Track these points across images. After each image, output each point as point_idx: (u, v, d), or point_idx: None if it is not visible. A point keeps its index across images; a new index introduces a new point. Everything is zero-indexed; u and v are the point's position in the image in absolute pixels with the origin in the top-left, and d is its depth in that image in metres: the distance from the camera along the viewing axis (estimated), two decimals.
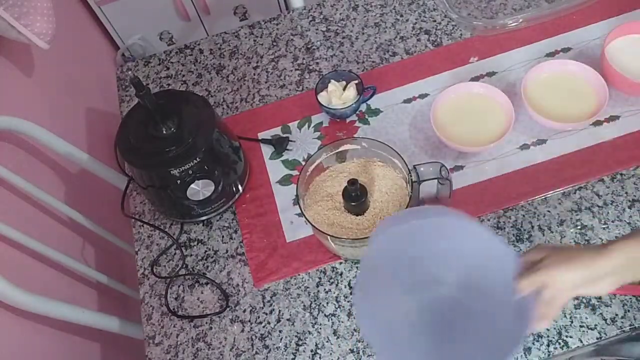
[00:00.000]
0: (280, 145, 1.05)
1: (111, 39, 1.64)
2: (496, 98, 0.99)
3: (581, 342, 0.81)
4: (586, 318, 0.83)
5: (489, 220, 0.93)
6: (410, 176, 0.84)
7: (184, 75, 1.20)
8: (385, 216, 0.87)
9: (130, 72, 1.24)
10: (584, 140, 0.97)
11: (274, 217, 0.99)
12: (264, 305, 0.92)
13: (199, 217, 0.99)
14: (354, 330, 0.87)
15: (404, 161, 0.87)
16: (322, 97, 1.04)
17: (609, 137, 0.97)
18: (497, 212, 0.93)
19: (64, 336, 1.00)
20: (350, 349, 0.86)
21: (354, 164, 0.93)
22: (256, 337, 0.89)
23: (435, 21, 1.17)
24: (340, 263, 0.93)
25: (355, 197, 0.85)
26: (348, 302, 0.90)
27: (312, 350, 0.87)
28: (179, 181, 0.90)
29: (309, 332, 0.88)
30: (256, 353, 0.88)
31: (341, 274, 0.92)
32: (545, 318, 0.65)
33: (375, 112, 1.07)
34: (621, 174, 0.94)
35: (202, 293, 0.95)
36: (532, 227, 0.91)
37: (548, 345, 0.81)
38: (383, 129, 1.04)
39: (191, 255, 0.98)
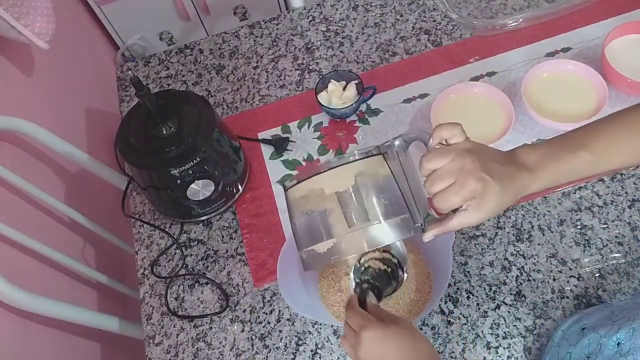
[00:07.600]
0: (280, 145, 1.05)
1: (111, 39, 1.63)
2: (496, 98, 0.99)
3: None
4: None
5: (489, 220, 0.92)
6: None
7: (184, 75, 1.20)
8: None
9: (130, 72, 1.24)
10: None
11: (274, 217, 0.99)
12: (264, 305, 0.92)
13: (199, 217, 0.99)
14: None
15: None
16: (322, 97, 1.04)
17: None
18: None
19: (64, 336, 1.00)
20: None
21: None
22: (256, 337, 0.89)
23: (435, 21, 1.17)
24: None
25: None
26: None
27: (312, 350, 0.87)
28: (179, 181, 0.90)
29: (309, 332, 0.88)
30: (256, 353, 0.88)
31: None
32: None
33: (375, 112, 1.07)
34: (621, 174, 0.94)
35: (202, 293, 0.95)
36: (532, 227, 0.91)
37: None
38: (383, 129, 1.04)
39: (191, 255, 0.98)
